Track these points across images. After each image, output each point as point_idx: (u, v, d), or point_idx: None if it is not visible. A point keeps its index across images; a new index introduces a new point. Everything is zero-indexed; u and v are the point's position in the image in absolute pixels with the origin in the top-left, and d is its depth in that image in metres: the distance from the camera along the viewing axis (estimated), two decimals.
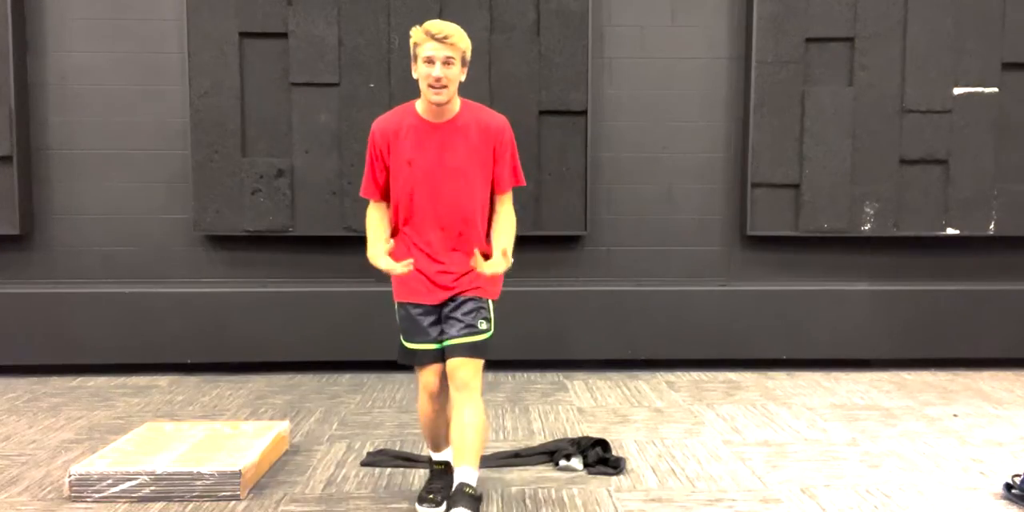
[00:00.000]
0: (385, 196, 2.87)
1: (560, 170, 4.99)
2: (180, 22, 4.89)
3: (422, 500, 2.88)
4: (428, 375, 2.82)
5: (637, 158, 5.13)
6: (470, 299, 2.79)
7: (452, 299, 2.80)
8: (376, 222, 2.88)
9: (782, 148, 5.02)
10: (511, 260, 2.72)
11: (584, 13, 4.91)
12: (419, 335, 2.81)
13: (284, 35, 4.87)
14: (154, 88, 4.97)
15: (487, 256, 2.82)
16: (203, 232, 4.96)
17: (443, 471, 2.98)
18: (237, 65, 4.86)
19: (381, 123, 2.81)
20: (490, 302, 2.86)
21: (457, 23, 2.91)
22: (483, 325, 2.79)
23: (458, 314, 2.77)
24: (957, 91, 5.03)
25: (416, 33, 2.66)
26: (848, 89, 5.01)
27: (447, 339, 2.77)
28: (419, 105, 2.78)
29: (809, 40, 4.99)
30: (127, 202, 5.00)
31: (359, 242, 4.98)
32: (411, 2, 4.85)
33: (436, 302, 2.80)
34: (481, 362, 2.77)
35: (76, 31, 4.93)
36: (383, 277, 4.97)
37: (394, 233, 2.87)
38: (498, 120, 2.82)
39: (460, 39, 2.66)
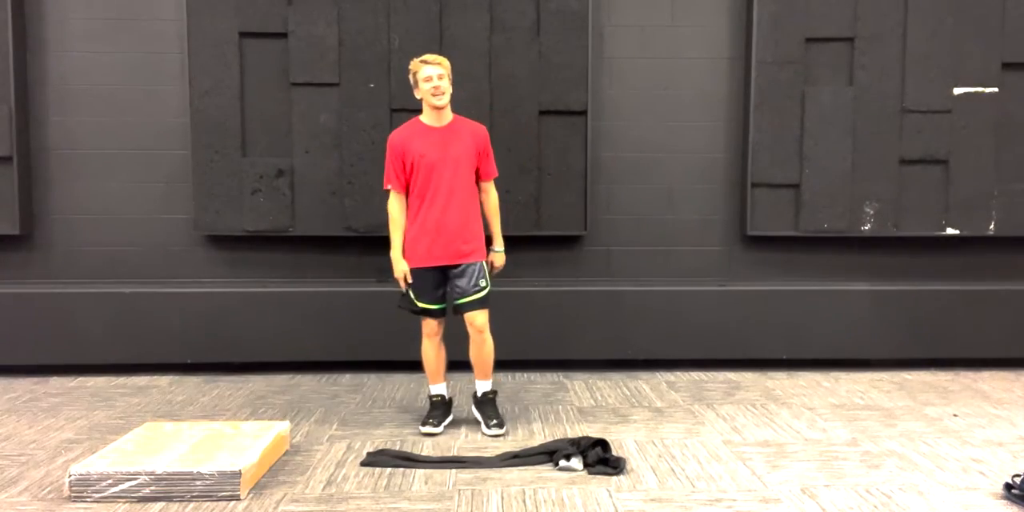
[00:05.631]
0: (405, 188, 3.77)
1: (560, 170, 4.98)
2: (180, 22, 4.89)
3: (425, 423, 3.78)
4: (431, 326, 3.84)
5: (637, 158, 5.13)
6: (469, 265, 3.73)
7: (455, 266, 3.72)
8: (396, 215, 3.79)
9: (782, 148, 5.02)
10: (502, 258, 3.95)
11: (584, 13, 4.91)
12: (425, 295, 3.76)
13: (284, 35, 4.87)
14: (154, 88, 4.97)
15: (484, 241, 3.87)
16: (203, 232, 4.96)
17: (440, 402, 3.88)
18: (237, 65, 4.86)
19: (396, 134, 3.78)
20: (483, 262, 3.80)
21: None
22: (483, 283, 3.76)
23: (464, 279, 3.73)
24: (957, 91, 5.03)
25: (414, 64, 3.67)
26: (848, 89, 5.01)
27: (459, 298, 3.74)
28: (423, 117, 3.77)
29: (809, 40, 4.99)
30: (127, 202, 5.00)
31: (359, 242, 5.03)
32: (411, 2, 4.85)
33: (439, 263, 3.72)
34: (487, 310, 3.78)
35: (76, 31, 4.93)
36: (383, 277, 5.00)
37: (412, 213, 3.75)
38: (482, 128, 3.87)
39: (444, 61, 3.70)
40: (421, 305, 3.77)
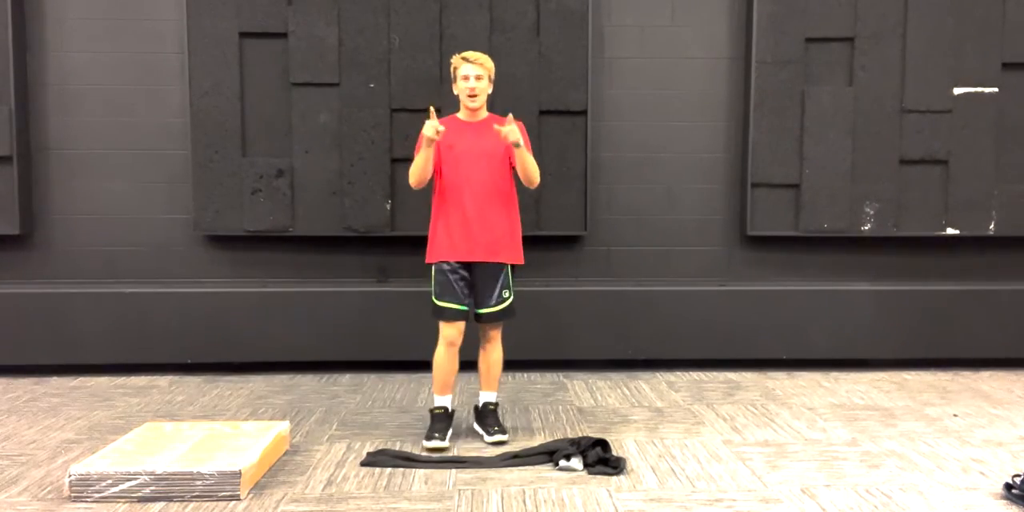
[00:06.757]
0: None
1: (560, 170, 4.98)
2: (180, 22, 4.89)
3: (429, 437, 3.57)
4: (451, 330, 3.62)
5: (637, 158, 5.13)
6: (496, 270, 3.62)
7: (482, 266, 3.60)
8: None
9: (782, 148, 5.02)
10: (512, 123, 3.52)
11: (584, 13, 4.91)
12: (449, 295, 3.60)
13: (284, 35, 4.87)
14: (154, 88, 4.97)
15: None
16: (203, 232, 4.96)
17: (443, 415, 3.68)
18: (237, 65, 4.86)
19: None
20: (509, 268, 3.67)
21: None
22: (507, 294, 3.66)
23: (488, 288, 3.62)
24: (957, 91, 5.03)
25: (455, 60, 3.61)
26: (848, 89, 5.01)
27: (480, 308, 3.64)
28: (459, 114, 3.71)
29: (809, 40, 4.99)
30: (127, 202, 5.00)
31: (359, 242, 5.03)
32: (411, 2, 4.85)
33: (467, 259, 3.58)
34: (503, 322, 3.70)
35: (76, 31, 4.93)
36: (383, 277, 5.00)
37: (441, 205, 3.64)
38: (516, 122, 3.64)
39: (486, 61, 3.60)
40: (443, 304, 3.59)
